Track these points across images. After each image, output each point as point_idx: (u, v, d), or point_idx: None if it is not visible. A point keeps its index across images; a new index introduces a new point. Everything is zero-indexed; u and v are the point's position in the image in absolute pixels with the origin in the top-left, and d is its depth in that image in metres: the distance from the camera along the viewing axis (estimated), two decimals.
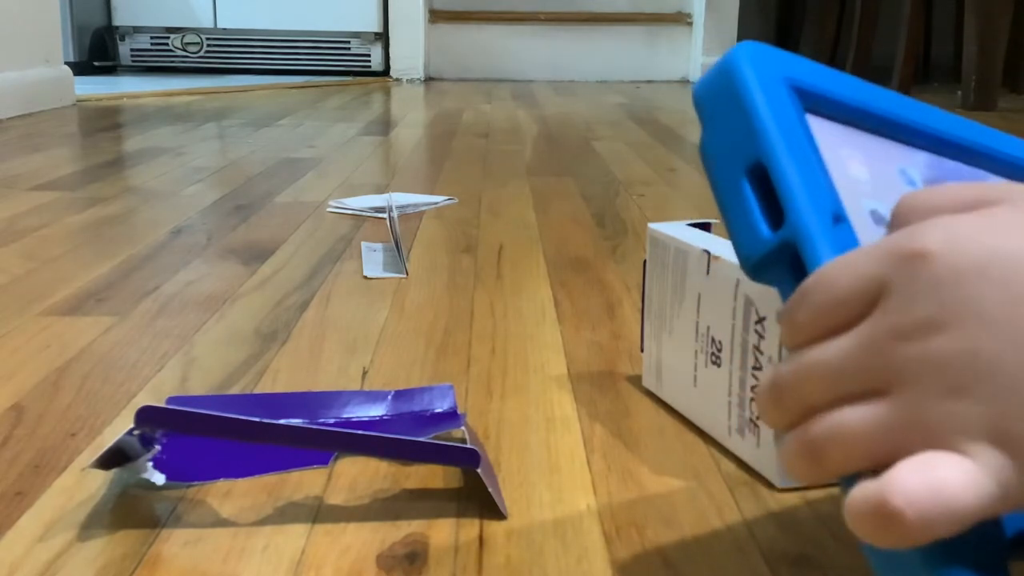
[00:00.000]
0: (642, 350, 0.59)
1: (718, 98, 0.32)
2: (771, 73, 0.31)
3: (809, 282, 0.28)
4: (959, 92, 2.57)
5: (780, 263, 0.30)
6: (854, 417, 0.26)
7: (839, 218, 0.30)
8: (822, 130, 0.32)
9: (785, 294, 0.30)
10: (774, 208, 0.30)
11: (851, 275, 0.27)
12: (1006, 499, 0.25)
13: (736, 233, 0.31)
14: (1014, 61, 2.91)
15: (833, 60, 3.35)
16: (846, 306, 0.27)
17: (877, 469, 0.26)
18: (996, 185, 0.29)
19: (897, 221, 0.29)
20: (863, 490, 0.25)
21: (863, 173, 0.33)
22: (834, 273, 0.28)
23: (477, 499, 0.46)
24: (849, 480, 0.27)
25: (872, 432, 0.26)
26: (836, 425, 0.27)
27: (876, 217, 0.32)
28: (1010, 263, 0.25)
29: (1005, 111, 2.50)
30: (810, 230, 0.29)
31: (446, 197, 1.22)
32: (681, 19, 3.76)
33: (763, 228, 0.30)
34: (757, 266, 0.31)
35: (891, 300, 0.26)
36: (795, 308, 0.29)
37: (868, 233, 0.31)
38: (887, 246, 0.27)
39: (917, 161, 0.35)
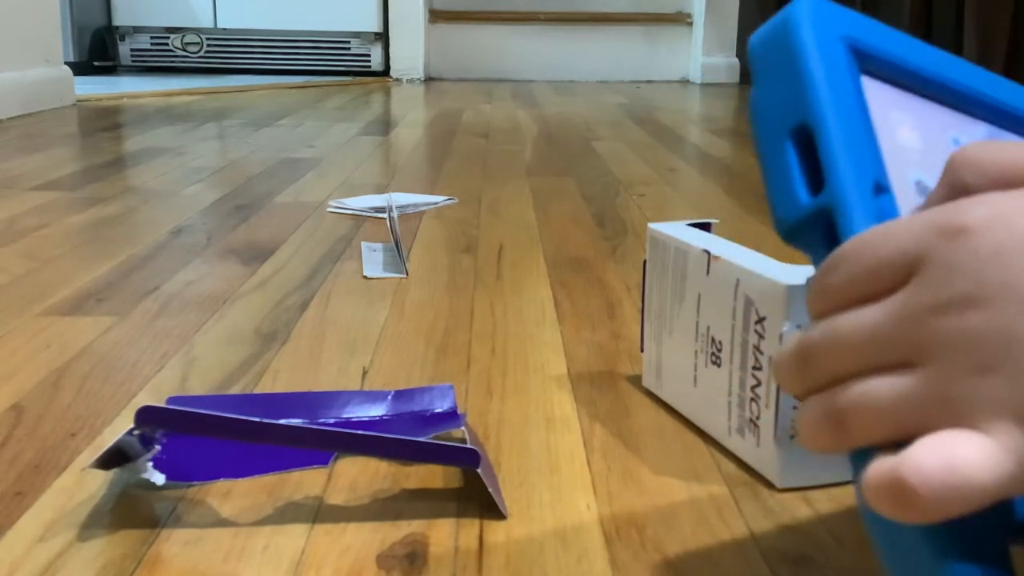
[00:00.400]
0: (642, 350, 0.59)
1: (772, 52, 0.31)
2: (829, 31, 0.30)
3: (846, 248, 0.28)
4: None
5: (815, 229, 0.30)
6: (881, 387, 0.26)
7: (881, 188, 0.29)
8: (876, 93, 0.31)
9: (817, 261, 0.30)
10: (815, 172, 0.30)
11: (890, 244, 0.27)
12: None
13: (773, 193, 0.31)
14: (1014, 61, 2.91)
15: None
16: (882, 275, 0.27)
17: (896, 442, 0.25)
18: None
19: (949, 175, 0.29)
20: (881, 465, 0.25)
21: (914, 141, 0.32)
22: (873, 241, 0.27)
23: (477, 499, 0.46)
24: (860, 454, 0.27)
25: (898, 404, 0.26)
26: (862, 394, 0.26)
27: (921, 188, 0.31)
28: None
29: None
30: (848, 200, 0.29)
31: (446, 197, 1.22)
32: (681, 19, 3.76)
33: (801, 192, 0.30)
34: (790, 230, 0.30)
35: (928, 273, 0.26)
36: (828, 273, 0.28)
37: (911, 204, 0.30)
38: (929, 219, 0.27)
39: (974, 132, 0.34)
